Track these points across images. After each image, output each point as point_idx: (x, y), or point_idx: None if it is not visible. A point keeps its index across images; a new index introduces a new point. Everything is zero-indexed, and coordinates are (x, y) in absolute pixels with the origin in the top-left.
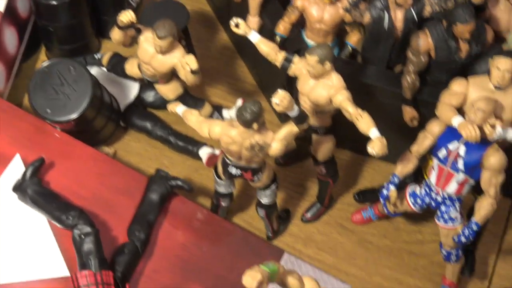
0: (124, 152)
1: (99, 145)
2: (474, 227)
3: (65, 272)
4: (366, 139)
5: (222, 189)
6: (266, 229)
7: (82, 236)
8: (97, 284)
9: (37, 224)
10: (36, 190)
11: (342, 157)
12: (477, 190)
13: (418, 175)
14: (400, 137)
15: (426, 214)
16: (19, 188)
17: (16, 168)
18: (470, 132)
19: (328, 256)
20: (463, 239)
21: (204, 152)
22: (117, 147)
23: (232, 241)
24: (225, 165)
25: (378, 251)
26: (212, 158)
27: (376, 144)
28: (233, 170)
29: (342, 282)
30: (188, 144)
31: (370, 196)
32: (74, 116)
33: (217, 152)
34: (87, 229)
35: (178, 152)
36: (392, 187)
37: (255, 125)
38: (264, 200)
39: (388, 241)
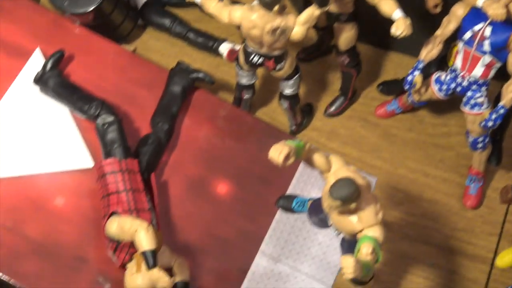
0: (144, 51)
1: (118, 43)
2: (501, 111)
3: (90, 163)
4: (389, 30)
5: (244, 81)
6: (289, 122)
7: (105, 125)
8: (122, 171)
9: (60, 116)
10: (58, 82)
11: (365, 51)
12: (503, 76)
13: (442, 64)
14: (423, 26)
15: (452, 106)
16: (40, 79)
17: (37, 62)
18: (496, 10)
19: (353, 150)
20: (490, 123)
21: (225, 48)
22: (137, 45)
23: (255, 134)
24: (247, 54)
25: (403, 144)
26: (232, 53)
27: (400, 24)
28: (255, 59)
29: (368, 175)
30: (208, 40)
31: (394, 87)
32: (91, 7)
33: (237, 47)
34: (110, 118)
35: (198, 49)
36: (416, 72)
37: (276, 8)
38: (287, 91)
39: (413, 134)
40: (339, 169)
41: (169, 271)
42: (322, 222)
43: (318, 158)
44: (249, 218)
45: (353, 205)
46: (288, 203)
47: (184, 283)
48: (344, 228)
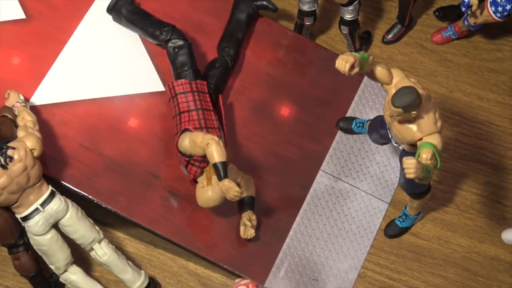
0: None
1: None
2: None
3: (160, 87)
4: None
5: (306, 7)
6: (348, 48)
7: (176, 49)
8: (193, 92)
9: (131, 43)
10: (130, 9)
11: None
12: None
13: None
14: None
15: (505, 32)
16: (113, 8)
17: None
18: None
19: (409, 74)
20: None
21: None
22: None
23: (316, 60)
24: None
25: (458, 68)
26: None
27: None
28: None
29: None
30: None
31: (450, 12)
32: None
33: None
34: (181, 42)
35: None
36: None
37: None
38: (347, 17)
39: (468, 59)
40: (400, 81)
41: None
42: (383, 137)
43: (381, 70)
44: (311, 138)
45: (413, 113)
46: (348, 124)
47: (251, 197)
48: (405, 137)
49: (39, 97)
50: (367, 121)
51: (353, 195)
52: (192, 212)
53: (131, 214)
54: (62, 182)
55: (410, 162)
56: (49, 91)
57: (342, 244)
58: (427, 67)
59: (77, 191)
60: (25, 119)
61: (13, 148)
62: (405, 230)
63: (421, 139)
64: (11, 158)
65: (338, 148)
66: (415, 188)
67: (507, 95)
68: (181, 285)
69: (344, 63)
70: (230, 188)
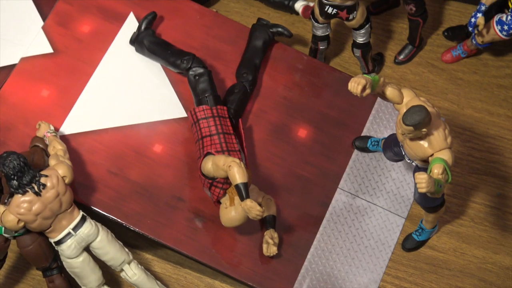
0: (225, 12)
1: None
2: None
3: (183, 113)
4: None
5: (319, 32)
6: (362, 70)
7: (197, 76)
8: (214, 117)
9: (154, 72)
10: (152, 40)
11: (430, 2)
12: None
13: (503, 6)
14: None
15: None
16: (136, 40)
17: (131, 25)
18: None
19: (421, 93)
20: None
21: (300, 4)
22: (217, 8)
23: (331, 82)
24: (322, 6)
25: (468, 85)
26: (307, 9)
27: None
28: (329, 10)
29: None
30: None
31: (458, 32)
32: None
33: (311, 3)
34: (201, 70)
35: (275, 8)
36: (479, 15)
37: None
38: (359, 40)
39: (477, 77)
40: (411, 100)
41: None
42: (397, 154)
43: (391, 90)
44: (328, 158)
45: (424, 130)
46: (363, 143)
47: (272, 216)
48: (417, 154)
49: (68, 127)
50: (382, 139)
51: (370, 211)
52: (216, 232)
53: (158, 235)
54: (92, 207)
55: (421, 177)
56: (77, 121)
57: (361, 259)
58: (438, 85)
59: (106, 215)
60: (56, 148)
61: (46, 176)
62: (422, 243)
63: (432, 155)
64: (44, 185)
65: (355, 167)
66: (429, 202)
67: None
68: None
69: (356, 85)
70: (252, 208)
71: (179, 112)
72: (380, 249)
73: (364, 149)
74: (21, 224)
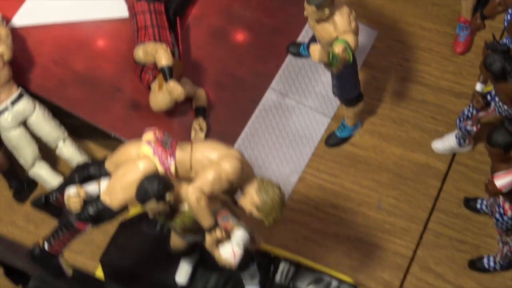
0: None
1: None
2: None
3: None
4: None
5: None
6: None
7: None
8: (150, 11)
9: None
10: None
11: None
12: None
13: None
14: None
15: None
16: None
17: None
18: None
19: (358, 8)
20: None
21: None
22: None
23: None
24: None
25: (404, 2)
26: None
27: None
28: None
29: (370, 28)
30: None
31: None
32: None
33: None
34: None
35: None
36: None
37: None
38: None
39: None
40: None
41: (191, 100)
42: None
43: None
44: (262, 60)
45: (326, 11)
46: (296, 48)
47: (203, 107)
48: (324, 37)
49: (20, 19)
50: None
51: (298, 110)
52: (151, 119)
53: (95, 120)
54: (35, 92)
55: (314, 48)
56: (28, 14)
57: (285, 152)
58: (375, 2)
59: (47, 100)
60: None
61: None
62: (343, 140)
63: (337, 37)
64: None
65: (287, 70)
66: (344, 93)
67: (447, 25)
68: None
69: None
70: (175, 89)
71: (123, 11)
72: (305, 144)
73: (297, 54)
74: None
